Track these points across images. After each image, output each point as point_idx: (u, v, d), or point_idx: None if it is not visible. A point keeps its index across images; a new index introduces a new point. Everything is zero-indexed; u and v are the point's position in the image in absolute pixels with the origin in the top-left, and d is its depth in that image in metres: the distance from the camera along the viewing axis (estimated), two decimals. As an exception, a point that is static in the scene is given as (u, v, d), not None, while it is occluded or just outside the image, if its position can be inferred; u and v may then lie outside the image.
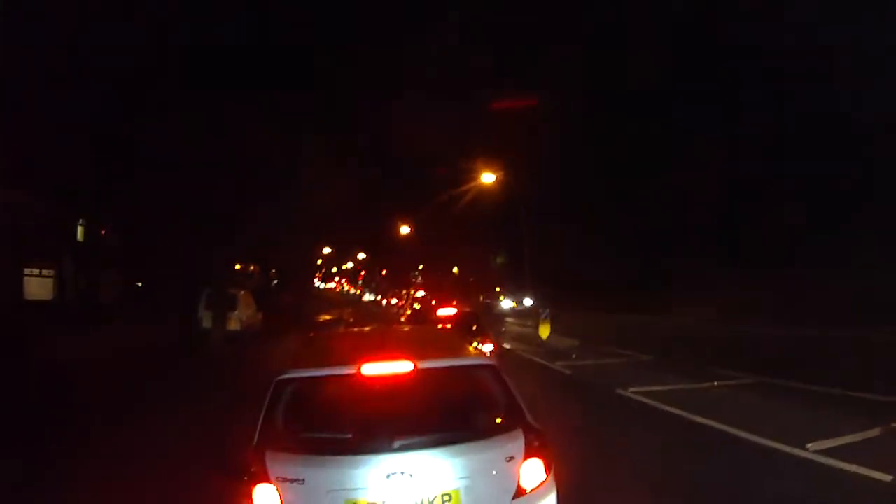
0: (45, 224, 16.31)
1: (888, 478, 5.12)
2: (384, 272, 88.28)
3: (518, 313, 29.44)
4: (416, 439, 3.65)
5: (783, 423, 7.43)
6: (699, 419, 8.12)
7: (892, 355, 11.97)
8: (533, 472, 3.72)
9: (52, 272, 16.59)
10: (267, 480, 3.52)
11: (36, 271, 15.76)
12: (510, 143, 34.49)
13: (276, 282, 57.46)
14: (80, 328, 15.81)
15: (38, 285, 15.71)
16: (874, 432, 6.36)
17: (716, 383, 10.44)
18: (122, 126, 16.37)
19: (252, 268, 47.07)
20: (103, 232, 20.21)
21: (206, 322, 19.47)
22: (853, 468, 5.55)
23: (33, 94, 14.80)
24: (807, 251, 22.44)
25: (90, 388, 10.34)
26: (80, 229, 18.71)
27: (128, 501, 5.52)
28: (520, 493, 3.66)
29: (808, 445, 6.35)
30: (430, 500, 3.53)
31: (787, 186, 24.61)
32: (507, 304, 32.24)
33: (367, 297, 73.82)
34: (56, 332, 14.07)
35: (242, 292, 22.22)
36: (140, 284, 23.82)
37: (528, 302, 27.83)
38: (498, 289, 37.12)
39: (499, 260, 51.81)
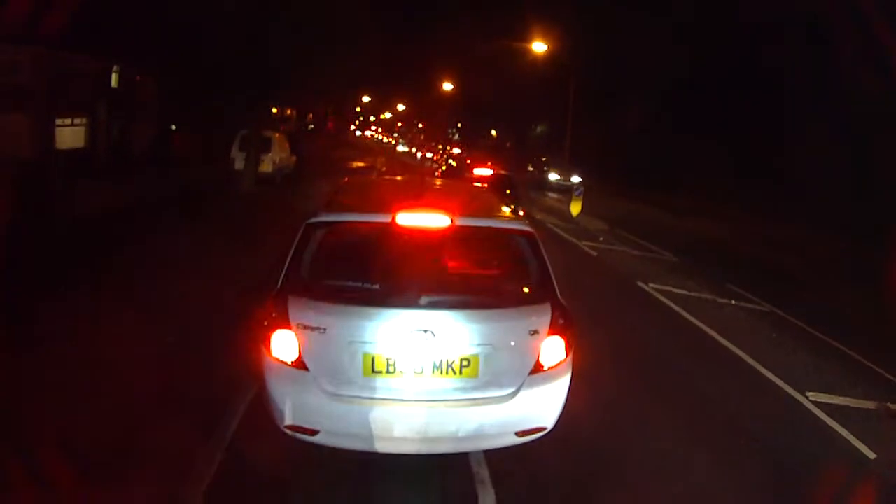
0: (77, 73, 15.89)
1: (872, 455, 5.17)
2: (421, 125, 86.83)
3: (560, 188, 29.16)
4: (443, 298, 3.53)
5: (790, 363, 7.43)
6: (711, 332, 8.23)
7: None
8: (554, 349, 3.63)
9: (84, 120, 16.43)
10: (287, 327, 3.43)
11: (68, 121, 15.59)
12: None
13: (311, 126, 57.26)
14: (110, 175, 15.93)
15: (70, 134, 15.59)
16: (870, 405, 6.30)
17: (733, 302, 10.38)
18: None
19: (289, 111, 46.46)
20: (138, 78, 19.78)
21: (239, 163, 19.43)
22: (844, 432, 5.58)
23: None
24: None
25: (115, 236, 10.43)
26: (113, 77, 18.29)
27: (153, 347, 5.61)
28: (538, 368, 3.59)
29: (808, 394, 6.39)
30: (449, 362, 3.45)
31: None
32: (553, 176, 31.55)
33: (401, 147, 73.06)
34: (85, 179, 14.14)
35: (277, 135, 21.90)
36: (174, 128, 23.72)
37: (575, 178, 27.28)
38: (545, 158, 36.02)
39: (539, 129, 50.13)
